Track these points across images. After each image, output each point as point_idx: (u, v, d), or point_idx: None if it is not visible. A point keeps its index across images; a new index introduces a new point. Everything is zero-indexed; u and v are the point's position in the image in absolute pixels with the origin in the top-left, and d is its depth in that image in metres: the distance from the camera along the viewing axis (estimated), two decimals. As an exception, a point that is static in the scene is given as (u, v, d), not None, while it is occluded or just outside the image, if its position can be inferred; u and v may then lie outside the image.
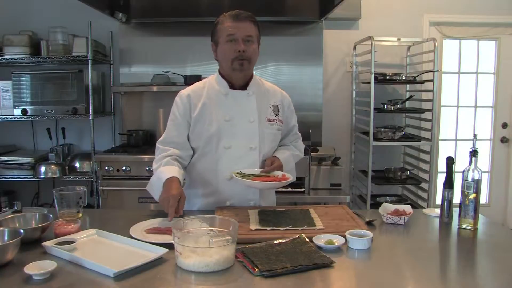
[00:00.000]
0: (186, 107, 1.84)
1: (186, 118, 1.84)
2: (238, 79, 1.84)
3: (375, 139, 3.34)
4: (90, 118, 3.29)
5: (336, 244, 1.38)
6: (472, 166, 1.60)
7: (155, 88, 3.46)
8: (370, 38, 3.26)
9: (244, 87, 1.85)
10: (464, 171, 1.61)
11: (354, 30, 3.75)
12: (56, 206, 1.67)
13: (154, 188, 1.74)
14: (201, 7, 3.52)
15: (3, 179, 3.31)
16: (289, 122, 2.00)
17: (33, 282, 1.15)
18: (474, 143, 1.61)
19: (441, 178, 3.06)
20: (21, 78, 3.35)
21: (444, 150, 3.93)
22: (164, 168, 1.74)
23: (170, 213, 1.54)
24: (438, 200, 3.25)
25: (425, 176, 3.51)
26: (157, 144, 1.88)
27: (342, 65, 3.80)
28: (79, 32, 3.34)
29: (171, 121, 1.88)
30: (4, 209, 1.81)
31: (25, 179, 3.35)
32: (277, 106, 1.92)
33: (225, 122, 1.81)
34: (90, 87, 3.29)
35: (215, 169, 1.82)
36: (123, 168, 3.08)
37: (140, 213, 1.76)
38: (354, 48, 3.66)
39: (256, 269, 1.20)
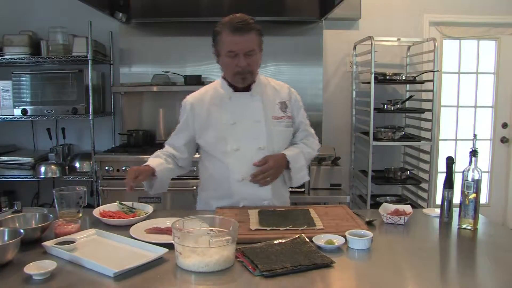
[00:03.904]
0: (189, 117, 1.89)
1: (188, 126, 1.90)
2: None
3: (375, 139, 3.34)
4: (90, 118, 3.28)
5: (336, 244, 1.38)
6: (472, 166, 1.60)
7: (155, 88, 3.46)
8: (370, 38, 3.26)
9: (248, 88, 1.86)
10: (464, 171, 1.61)
11: (354, 30, 3.74)
12: (56, 206, 1.67)
13: None
14: (201, 7, 3.52)
15: (3, 179, 3.30)
16: (295, 119, 1.95)
17: (33, 282, 1.15)
18: (474, 143, 1.61)
19: (441, 178, 3.05)
20: (21, 78, 3.34)
21: (444, 150, 3.92)
22: (150, 159, 1.85)
23: (126, 183, 1.65)
24: (438, 200, 3.26)
25: (425, 176, 3.51)
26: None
27: (342, 65, 3.80)
28: (79, 32, 3.33)
29: (178, 125, 1.96)
30: (4, 209, 1.82)
31: (25, 179, 3.35)
32: (285, 102, 1.91)
33: (231, 125, 1.82)
34: (90, 87, 3.28)
35: (226, 172, 1.84)
36: (123, 168, 3.08)
37: (140, 213, 1.76)
38: (354, 48, 3.65)
39: (256, 269, 1.20)
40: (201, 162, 1.98)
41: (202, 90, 1.95)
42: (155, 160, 1.83)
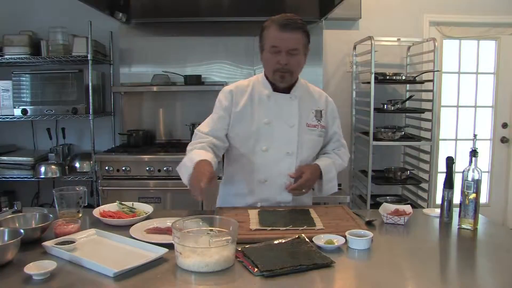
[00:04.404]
0: (229, 102, 1.83)
1: (228, 112, 1.82)
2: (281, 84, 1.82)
3: (375, 139, 3.34)
4: (90, 118, 3.28)
5: (336, 244, 1.38)
6: (472, 166, 1.60)
7: (155, 88, 3.46)
8: (370, 38, 3.26)
9: (288, 90, 1.84)
10: (464, 171, 1.61)
11: (354, 30, 3.75)
12: (56, 206, 1.67)
13: (184, 169, 1.69)
14: (201, 7, 3.51)
15: (3, 179, 3.31)
16: (329, 129, 1.93)
17: (33, 282, 1.15)
18: (474, 143, 1.62)
19: (441, 178, 3.05)
20: (21, 78, 3.35)
21: (444, 150, 3.92)
22: (198, 151, 1.71)
23: (200, 191, 1.49)
24: (438, 200, 3.25)
25: (425, 176, 3.51)
26: (196, 131, 1.87)
27: (342, 65, 3.80)
28: (79, 32, 3.33)
29: (214, 113, 1.86)
30: (4, 209, 1.81)
31: (25, 179, 3.35)
32: (321, 111, 1.88)
33: (264, 124, 1.80)
34: (90, 87, 3.28)
35: (250, 171, 1.82)
36: (123, 168, 3.08)
37: (140, 213, 1.76)
38: (354, 48, 3.65)
39: (256, 269, 1.20)
40: (227, 157, 1.95)
41: (242, 82, 1.91)
42: (206, 154, 1.69)
